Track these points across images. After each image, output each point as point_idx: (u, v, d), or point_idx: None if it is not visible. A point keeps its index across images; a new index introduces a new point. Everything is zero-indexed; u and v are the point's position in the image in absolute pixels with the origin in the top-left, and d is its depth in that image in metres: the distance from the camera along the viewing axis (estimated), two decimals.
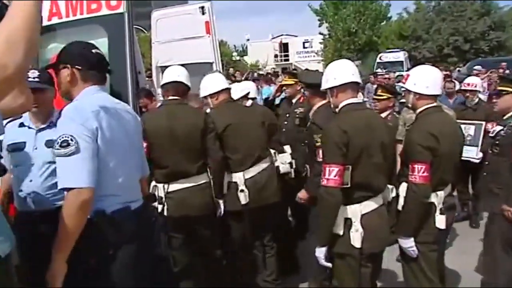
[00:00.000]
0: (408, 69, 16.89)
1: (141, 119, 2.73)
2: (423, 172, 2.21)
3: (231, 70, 13.18)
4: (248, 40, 38.23)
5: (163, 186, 2.69)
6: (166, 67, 4.94)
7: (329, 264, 2.18)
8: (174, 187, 2.69)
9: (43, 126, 2.24)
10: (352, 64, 2.34)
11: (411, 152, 2.28)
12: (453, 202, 2.49)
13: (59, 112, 1.78)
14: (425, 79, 2.34)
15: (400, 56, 20.77)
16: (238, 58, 34.41)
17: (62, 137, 1.55)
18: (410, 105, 2.45)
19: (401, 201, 2.36)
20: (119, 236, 1.65)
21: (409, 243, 2.32)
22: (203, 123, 2.73)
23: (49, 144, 2.08)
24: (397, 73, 13.19)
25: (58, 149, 1.55)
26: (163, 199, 2.67)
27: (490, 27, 25.59)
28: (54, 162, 1.66)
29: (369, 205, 2.16)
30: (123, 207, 1.69)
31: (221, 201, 2.85)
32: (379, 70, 15.96)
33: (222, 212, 2.87)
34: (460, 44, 25.71)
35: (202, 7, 4.76)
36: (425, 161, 2.21)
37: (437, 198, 2.32)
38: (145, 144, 2.57)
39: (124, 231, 1.66)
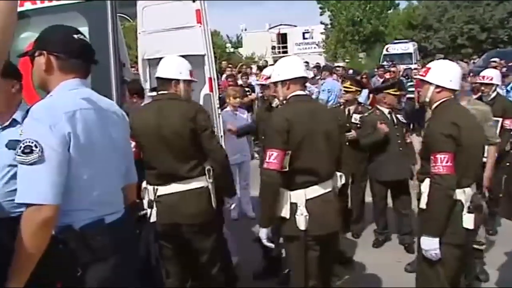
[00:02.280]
0: (417, 62, 17.04)
1: (129, 116, 2.72)
2: (447, 162, 2.29)
3: (224, 63, 13.12)
4: (243, 30, 38.28)
5: (153, 189, 2.67)
6: (154, 59, 4.93)
7: (271, 244, 2.55)
8: (163, 190, 2.66)
9: (5, 124, 2.14)
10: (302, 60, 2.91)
11: (432, 143, 2.37)
12: (480, 203, 2.51)
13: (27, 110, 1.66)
14: (448, 73, 2.49)
15: (409, 47, 20.84)
16: (232, 50, 34.39)
17: (26, 142, 1.44)
18: (427, 99, 2.54)
19: (424, 199, 2.43)
20: (90, 254, 1.56)
21: (433, 244, 2.35)
22: (193, 120, 2.63)
23: (11, 145, 1.95)
24: (405, 66, 13.22)
25: (19, 155, 1.43)
26: (152, 202, 2.64)
27: (511, 14, 25.52)
28: (16, 165, 1.55)
29: (314, 190, 2.44)
30: (95, 221, 1.60)
31: (232, 204, 2.88)
32: (385, 62, 15.99)
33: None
34: (476, 33, 25.73)
35: None
36: (448, 150, 2.30)
37: (464, 195, 2.37)
38: (133, 144, 2.55)
39: (96, 248, 1.57)
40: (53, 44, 1.63)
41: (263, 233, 2.48)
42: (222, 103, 5.30)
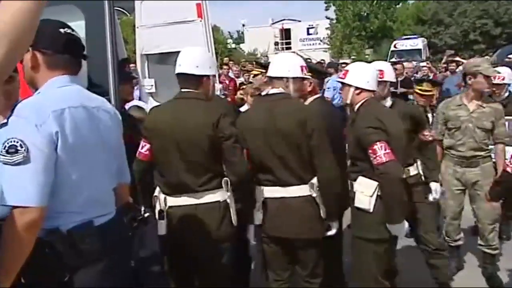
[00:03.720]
0: (427, 58, 17.01)
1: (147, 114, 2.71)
2: (385, 150, 2.47)
3: (225, 59, 13.14)
4: (244, 25, 38.30)
5: (164, 198, 2.50)
6: (152, 55, 4.93)
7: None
8: (172, 202, 2.49)
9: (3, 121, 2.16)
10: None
11: (365, 138, 2.56)
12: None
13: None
14: (365, 74, 2.76)
15: (418, 43, 20.80)
16: (233, 46, 34.42)
17: (10, 141, 1.42)
18: (348, 101, 2.79)
19: (359, 198, 2.65)
20: (78, 258, 1.56)
21: (403, 228, 2.70)
22: (213, 127, 2.39)
23: None
24: (415, 63, 13.19)
25: (3, 155, 1.41)
26: (163, 213, 2.49)
27: None
28: None
29: (271, 191, 2.57)
30: (84, 223, 1.59)
31: (251, 228, 2.72)
32: (393, 59, 15.96)
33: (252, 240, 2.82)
34: (489, 28, 25.64)
35: None
36: (381, 139, 2.50)
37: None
38: (147, 146, 2.51)
39: (84, 252, 1.57)
40: (38, 40, 1.60)
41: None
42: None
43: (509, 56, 10.55)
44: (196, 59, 2.52)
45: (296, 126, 2.48)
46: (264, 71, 3.55)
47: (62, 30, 1.66)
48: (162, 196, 2.51)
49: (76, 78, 1.71)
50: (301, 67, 2.68)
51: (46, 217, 1.49)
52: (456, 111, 3.61)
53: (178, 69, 2.53)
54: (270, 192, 2.58)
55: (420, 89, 4.32)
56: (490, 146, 3.63)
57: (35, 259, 1.46)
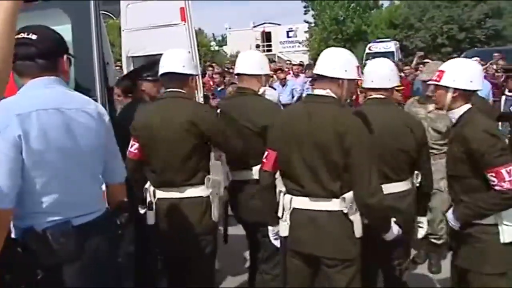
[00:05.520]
0: (400, 60, 17.23)
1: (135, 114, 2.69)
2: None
3: (208, 63, 13.07)
4: (227, 28, 38.15)
5: (153, 191, 2.54)
6: (138, 57, 4.88)
7: (277, 243, 2.37)
8: (160, 194, 2.53)
9: None
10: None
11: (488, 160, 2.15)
12: None
13: None
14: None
15: (391, 46, 21.06)
16: (217, 48, 34.27)
17: None
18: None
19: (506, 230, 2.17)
20: (53, 257, 1.52)
21: (273, 231, 2.45)
22: (196, 124, 2.41)
23: None
24: None
25: None
26: (152, 204, 2.54)
27: (487, 15, 26.13)
28: None
29: (300, 202, 2.18)
30: (60, 223, 1.56)
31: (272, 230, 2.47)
32: (368, 61, 16.15)
33: None
34: (455, 33, 26.21)
35: None
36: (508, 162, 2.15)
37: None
38: (136, 145, 2.54)
39: (59, 251, 1.53)
40: None
41: (269, 230, 2.44)
42: (206, 101, 5.27)
43: (473, 59, 10.75)
44: (181, 59, 2.53)
45: (333, 140, 2.07)
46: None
47: (21, 35, 1.58)
48: (151, 188, 2.55)
49: (56, 79, 1.67)
50: (357, 67, 2.24)
51: (21, 217, 1.47)
52: (417, 109, 3.62)
53: (164, 69, 2.52)
54: (298, 203, 2.19)
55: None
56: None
57: (8, 258, 1.43)
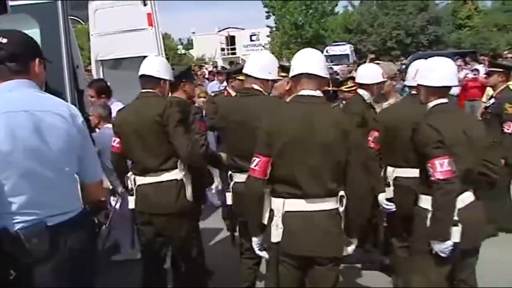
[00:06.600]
0: (354, 62, 17.72)
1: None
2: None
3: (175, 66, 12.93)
4: (193, 33, 37.78)
5: (133, 178, 2.71)
6: (106, 60, 4.78)
7: (265, 253, 2.16)
8: (140, 180, 2.68)
9: None
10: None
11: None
12: None
13: None
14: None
15: (346, 49, 21.65)
16: (183, 51, 33.86)
17: None
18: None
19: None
20: (26, 257, 1.49)
21: (255, 242, 2.20)
22: (160, 115, 2.56)
23: None
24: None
25: None
26: (132, 191, 2.71)
27: (428, 22, 27.44)
28: None
29: (294, 204, 2.02)
30: (34, 223, 1.51)
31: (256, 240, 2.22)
32: (326, 63, 16.46)
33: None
34: (402, 38, 27.32)
35: None
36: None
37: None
38: (117, 140, 2.72)
39: (33, 250, 1.49)
40: None
41: (254, 242, 2.18)
42: None
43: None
44: (156, 65, 2.72)
45: (339, 138, 2.00)
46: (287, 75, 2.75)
47: None
48: (132, 176, 2.72)
49: (28, 82, 1.62)
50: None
51: None
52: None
53: (141, 72, 2.71)
54: (292, 205, 2.03)
55: (346, 87, 4.51)
56: None
57: None
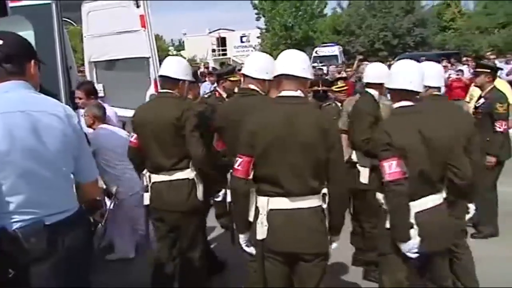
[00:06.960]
0: (343, 63, 17.84)
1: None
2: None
3: None
4: (185, 34, 37.63)
5: (148, 176, 2.78)
6: (100, 62, 4.76)
7: (251, 250, 2.16)
8: (154, 178, 2.75)
9: None
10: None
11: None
12: None
13: None
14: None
15: (335, 50, 21.73)
16: (175, 52, 33.70)
17: None
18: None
19: None
20: (25, 256, 1.49)
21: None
22: (178, 119, 2.61)
23: None
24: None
25: None
26: (147, 188, 2.77)
27: (414, 24, 27.71)
28: None
29: (278, 202, 2.03)
30: (32, 223, 1.52)
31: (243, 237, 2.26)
32: (315, 64, 16.54)
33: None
34: (389, 39, 27.52)
35: (137, 0, 4.63)
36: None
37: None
38: (135, 135, 2.80)
39: (31, 250, 1.49)
40: None
41: (241, 239, 2.20)
42: None
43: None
44: (175, 65, 2.76)
45: (319, 137, 2.00)
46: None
47: None
48: (147, 174, 2.80)
49: (24, 84, 1.62)
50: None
51: None
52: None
53: (160, 72, 2.79)
54: (276, 203, 2.04)
55: (336, 87, 4.54)
56: None
57: None
